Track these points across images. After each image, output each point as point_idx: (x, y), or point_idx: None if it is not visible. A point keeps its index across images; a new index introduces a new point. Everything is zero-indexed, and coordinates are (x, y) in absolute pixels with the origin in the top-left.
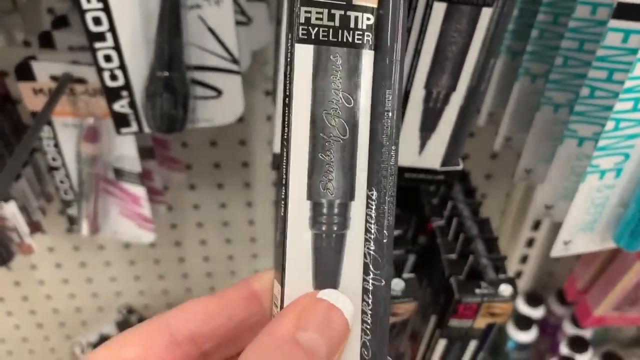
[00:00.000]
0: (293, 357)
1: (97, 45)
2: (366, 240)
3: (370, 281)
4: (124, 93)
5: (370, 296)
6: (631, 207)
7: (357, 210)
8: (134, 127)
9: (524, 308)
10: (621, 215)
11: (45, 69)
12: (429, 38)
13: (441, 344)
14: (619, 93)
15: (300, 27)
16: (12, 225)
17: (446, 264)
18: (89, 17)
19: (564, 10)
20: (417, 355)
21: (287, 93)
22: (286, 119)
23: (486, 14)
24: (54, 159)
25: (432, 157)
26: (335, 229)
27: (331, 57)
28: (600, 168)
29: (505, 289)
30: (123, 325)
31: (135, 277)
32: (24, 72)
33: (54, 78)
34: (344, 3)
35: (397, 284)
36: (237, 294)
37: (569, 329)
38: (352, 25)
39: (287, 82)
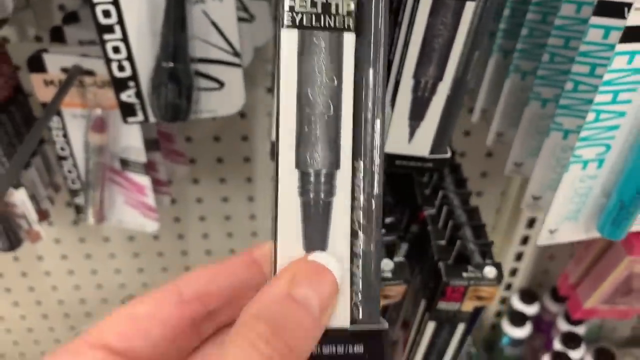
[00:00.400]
0: (289, 309)
1: (106, 37)
2: (355, 207)
3: (360, 246)
4: (131, 83)
5: (359, 260)
6: (613, 197)
7: (343, 179)
8: (140, 116)
9: (518, 305)
10: (604, 205)
11: (56, 61)
12: (417, 30)
13: (430, 327)
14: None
15: (285, 14)
16: (21, 212)
17: (436, 250)
18: (99, 10)
19: (551, 9)
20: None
21: (276, 75)
22: (276, 99)
23: (470, 7)
24: (62, 149)
25: (421, 145)
26: (322, 196)
27: (314, 40)
28: (582, 158)
29: (489, 271)
30: None
31: (139, 269)
32: (36, 64)
33: (64, 70)
34: None
35: (387, 264)
36: (240, 260)
37: (563, 325)
38: (333, 11)
39: (276, 64)
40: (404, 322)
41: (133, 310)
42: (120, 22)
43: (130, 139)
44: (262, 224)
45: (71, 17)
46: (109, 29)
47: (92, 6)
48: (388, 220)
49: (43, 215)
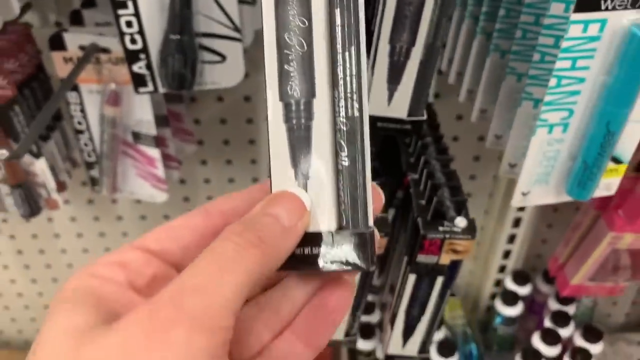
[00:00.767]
0: (262, 220)
1: (120, 12)
2: (337, 130)
3: (342, 161)
4: (142, 55)
5: (342, 174)
6: (578, 159)
7: (321, 105)
8: (150, 87)
9: (511, 286)
10: (572, 168)
11: (75, 40)
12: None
13: (411, 280)
14: None
15: None
16: (41, 181)
17: (416, 208)
18: None
19: None
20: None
21: (261, 24)
22: (262, 44)
23: None
24: (79, 123)
25: (399, 107)
26: (302, 121)
27: None
28: (548, 122)
29: (460, 221)
30: None
31: None
32: (57, 42)
33: (82, 48)
34: None
35: None
36: (258, 187)
37: (554, 305)
38: None
39: (260, 15)
40: (392, 286)
41: (169, 223)
42: None
43: (142, 112)
44: None
45: (89, 2)
46: (123, 4)
47: None
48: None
49: (61, 187)
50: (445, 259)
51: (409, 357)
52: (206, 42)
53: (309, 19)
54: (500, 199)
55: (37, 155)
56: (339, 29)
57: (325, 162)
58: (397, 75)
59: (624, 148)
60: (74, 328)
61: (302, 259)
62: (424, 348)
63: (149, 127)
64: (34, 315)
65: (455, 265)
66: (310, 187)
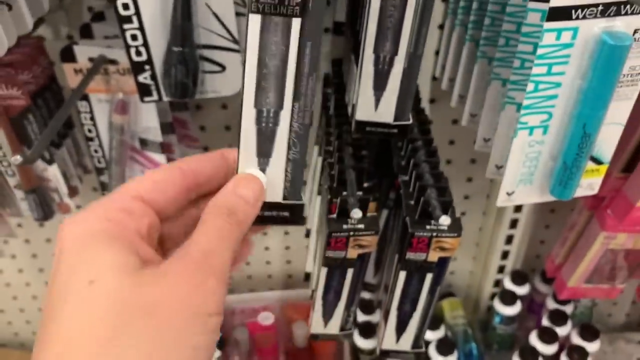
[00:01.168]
0: (236, 200)
1: (126, 26)
2: (292, 132)
3: (293, 155)
4: (147, 67)
5: (291, 163)
6: (559, 160)
7: (285, 115)
8: (155, 96)
9: (510, 285)
10: (553, 169)
11: (85, 52)
12: (373, 12)
13: (402, 277)
14: None
15: (252, 3)
16: (54, 186)
17: (405, 209)
18: (119, 3)
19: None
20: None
21: (245, 45)
22: (244, 62)
23: None
24: (89, 131)
25: (386, 112)
26: (270, 126)
27: (272, 22)
28: (528, 125)
29: (444, 219)
30: None
31: None
32: (68, 54)
33: (91, 59)
34: None
35: (357, 213)
36: (218, 154)
37: (552, 304)
38: (286, 3)
39: (245, 38)
40: (386, 285)
41: (153, 176)
42: (137, 13)
43: (148, 120)
44: None
45: (98, 16)
46: (128, 19)
47: (114, 0)
48: (366, 184)
49: (73, 191)
50: (434, 256)
51: (403, 352)
52: (206, 53)
53: (287, 47)
54: (496, 198)
55: (49, 162)
56: (307, 57)
57: (281, 154)
58: (382, 83)
59: (604, 149)
60: (127, 266)
61: (259, 218)
62: (417, 343)
63: (155, 134)
64: (40, 304)
65: (443, 262)
66: (269, 171)
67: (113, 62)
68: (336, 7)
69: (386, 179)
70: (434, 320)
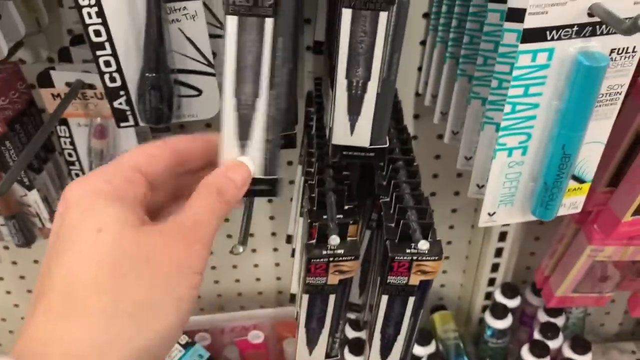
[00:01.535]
0: (226, 182)
1: (99, 53)
2: (269, 117)
3: (270, 136)
4: (122, 92)
5: (269, 144)
6: (539, 181)
7: (262, 102)
8: (131, 121)
9: (500, 298)
10: (534, 189)
11: (62, 77)
12: (343, 37)
13: (384, 301)
14: None
15: (229, 6)
16: (34, 211)
17: (385, 231)
18: (91, 30)
19: (483, 17)
20: None
21: (224, 44)
22: (224, 59)
23: (383, 17)
24: (70, 155)
25: (362, 136)
26: (247, 111)
27: (247, 23)
28: (507, 146)
29: (423, 244)
30: None
31: None
32: (45, 80)
33: (68, 84)
34: None
35: (340, 247)
36: (202, 138)
37: (543, 317)
38: (260, 4)
39: (224, 38)
40: (370, 306)
41: (148, 150)
42: (110, 40)
43: (127, 143)
44: (258, 226)
45: (77, 40)
46: (101, 45)
47: (85, 27)
48: (347, 206)
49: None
50: (415, 279)
51: None
52: (182, 77)
53: (262, 43)
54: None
55: (29, 188)
56: (279, 50)
57: (259, 136)
58: (356, 107)
59: (585, 168)
60: (129, 221)
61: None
62: None
63: None
64: None
65: (425, 285)
66: (249, 151)
67: (91, 86)
68: (316, 26)
69: (369, 199)
70: (425, 335)
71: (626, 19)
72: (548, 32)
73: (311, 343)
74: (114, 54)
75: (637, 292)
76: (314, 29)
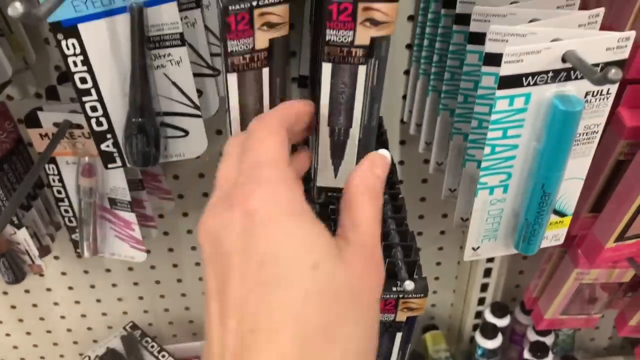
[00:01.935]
0: (373, 180)
1: (85, 99)
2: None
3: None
4: (109, 135)
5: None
6: (521, 217)
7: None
8: (119, 162)
9: (490, 318)
10: (516, 225)
11: (49, 118)
12: (324, 89)
13: None
14: None
15: (230, 65)
16: (23, 249)
17: None
18: (76, 77)
19: (463, 55)
20: None
21: (226, 97)
22: (227, 107)
23: (362, 70)
24: (59, 192)
25: (345, 179)
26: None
27: (247, 75)
28: (488, 185)
29: (408, 284)
30: (127, 339)
31: (139, 297)
32: (32, 120)
33: (56, 124)
34: (251, 47)
35: None
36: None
37: (532, 336)
38: (256, 59)
39: (225, 90)
40: None
41: (295, 109)
42: (95, 86)
43: (115, 180)
44: None
45: (64, 77)
46: (87, 92)
47: (72, 75)
48: None
49: (44, 251)
50: (402, 316)
51: None
52: (168, 120)
53: (260, 89)
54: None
55: (18, 226)
56: (275, 92)
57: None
58: (339, 152)
59: (566, 202)
60: (333, 250)
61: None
62: None
63: (124, 194)
64: None
65: (412, 321)
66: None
67: (78, 126)
68: (300, 59)
69: None
70: (417, 357)
71: (599, 64)
72: (524, 79)
73: None
74: (100, 99)
75: (624, 312)
76: (299, 62)
